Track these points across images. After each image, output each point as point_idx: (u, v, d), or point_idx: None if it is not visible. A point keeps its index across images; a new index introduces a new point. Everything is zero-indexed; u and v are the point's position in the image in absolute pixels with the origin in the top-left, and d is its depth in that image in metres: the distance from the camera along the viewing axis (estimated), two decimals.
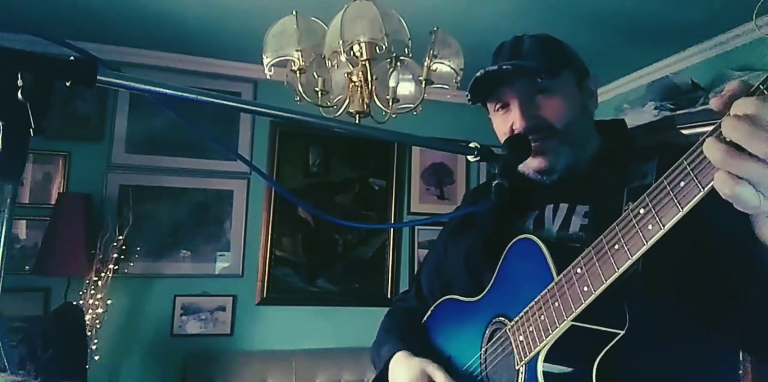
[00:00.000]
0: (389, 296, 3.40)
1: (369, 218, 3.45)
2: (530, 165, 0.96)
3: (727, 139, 0.55)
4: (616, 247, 0.69)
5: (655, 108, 2.56)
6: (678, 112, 2.46)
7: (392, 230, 3.48)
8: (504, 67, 0.94)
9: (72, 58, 0.57)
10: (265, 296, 3.21)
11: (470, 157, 0.85)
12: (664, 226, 0.63)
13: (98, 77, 0.58)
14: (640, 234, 0.66)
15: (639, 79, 3.16)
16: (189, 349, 3.00)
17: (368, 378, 2.97)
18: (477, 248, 1.04)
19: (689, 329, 0.83)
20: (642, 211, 0.66)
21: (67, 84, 0.56)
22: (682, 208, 0.60)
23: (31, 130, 0.54)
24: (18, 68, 0.53)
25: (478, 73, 0.97)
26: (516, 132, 0.97)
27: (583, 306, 0.73)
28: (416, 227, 3.54)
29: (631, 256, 0.67)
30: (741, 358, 1.97)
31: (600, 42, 2.70)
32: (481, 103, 1.07)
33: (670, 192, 0.62)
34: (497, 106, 1.02)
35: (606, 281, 0.70)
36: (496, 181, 0.85)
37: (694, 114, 2.34)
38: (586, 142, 1.01)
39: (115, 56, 2.98)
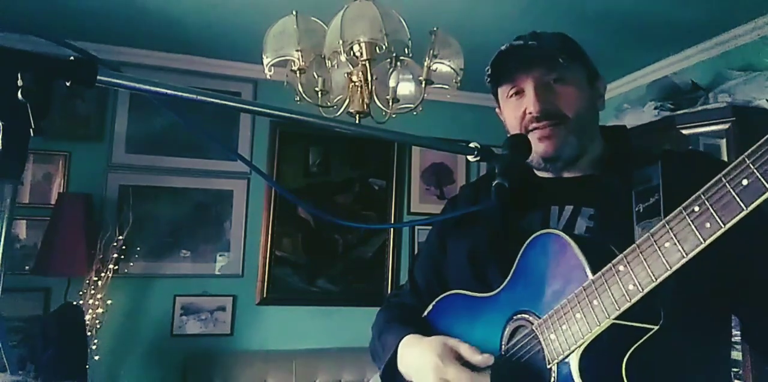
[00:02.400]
0: None
1: (369, 218, 3.45)
2: (536, 150, 0.97)
3: None
4: (667, 245, 0.68)
5: (655, 108, 2.56)
6: (678, 112, 2.46)
7: (392, 229, 3.48)
8: (530, 42, 0.95)
9: (72, 58, 0.56)
10: (265, 296, 3.21)
11: (470, 157, 0.85)
12: (725, 224, 0.62)
13: (98, 77, 0.58)
14: (697, 233, 0.64)
15: (639, 79, 3.17)
16: (189, 349, 3.00)
17: (368, 378, 2.96)
18: (482, 244, 1.03)
19: (698, 322, 0.84)
20: (696, 208, 0.65)
21: (67, 84, 0.56)
22: (746, 206, 0.60)
23: (31, 130, 0.54)
24: (18, 68, 0.53)
25: (503, 47, 0.97)
26: (529, 116, 0.98)
27: (629, 304, 0.71)
28: (416, 227, 3.53)
29: (686, 254, 0.65)
30: (741, 358, 1.98)
31: (600, 42, 2.70)
32: (492, 91, 1.07)
33: (732, 190, 0.61)
34: (511, 92, 1.02)
35: (656, 279, 0.68)
36: (496, 181, 0.84)
37: (694, 114, 2.34)
38: (591, 138, 1.01)
39: (115, 56, 2.98)
